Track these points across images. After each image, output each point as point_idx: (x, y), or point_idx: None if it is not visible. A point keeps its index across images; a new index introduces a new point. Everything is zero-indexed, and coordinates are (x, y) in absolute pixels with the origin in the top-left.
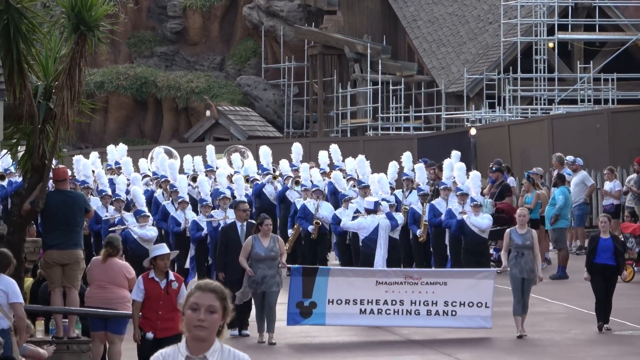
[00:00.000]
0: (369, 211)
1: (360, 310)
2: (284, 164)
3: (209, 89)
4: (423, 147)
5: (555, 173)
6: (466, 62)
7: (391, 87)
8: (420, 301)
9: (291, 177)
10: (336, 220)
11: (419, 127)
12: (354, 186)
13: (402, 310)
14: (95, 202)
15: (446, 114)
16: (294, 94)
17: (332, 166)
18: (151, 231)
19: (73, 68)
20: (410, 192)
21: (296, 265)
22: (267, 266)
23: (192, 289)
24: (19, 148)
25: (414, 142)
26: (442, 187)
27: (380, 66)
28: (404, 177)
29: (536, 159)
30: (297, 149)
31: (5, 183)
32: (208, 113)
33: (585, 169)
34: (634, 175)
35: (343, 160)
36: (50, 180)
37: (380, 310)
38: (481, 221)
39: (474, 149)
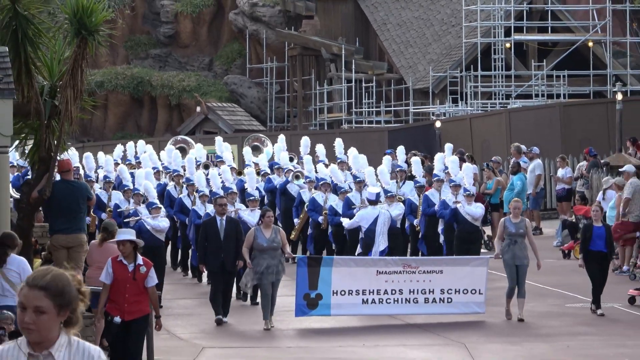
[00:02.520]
0: (370, 202)
1: (363, 300)
2: (284, 156)
3: (199, 87)
4: (393, 139)
5: (512, 161)
6: (431, 61)
7: (364, 85)
8: (418, 290)
9: (292, 170)
10: (332, 211)
11: (389, 121)
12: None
13: (402, 299)
14: (117, 196)
15: (413, 109)
16: (275, 91)
17: (335, 159)
18: (163, 222)
19: (76, 69)
20: (403, 183)
21: (301, 256)
22: (269, 256)
23: (22, 283)
24: (27, 142)
25: (384, 134)
26: (435, 179)
27: (353, 65)
28: (398, 169)
29: (495, 148)
30: (305, 142)
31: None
32: (198, 109)
33: (540, 157)
34: (583, 162)
35: (345, 153)
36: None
37: (381, 300)
38: (474, 210)
39: (439, 140)
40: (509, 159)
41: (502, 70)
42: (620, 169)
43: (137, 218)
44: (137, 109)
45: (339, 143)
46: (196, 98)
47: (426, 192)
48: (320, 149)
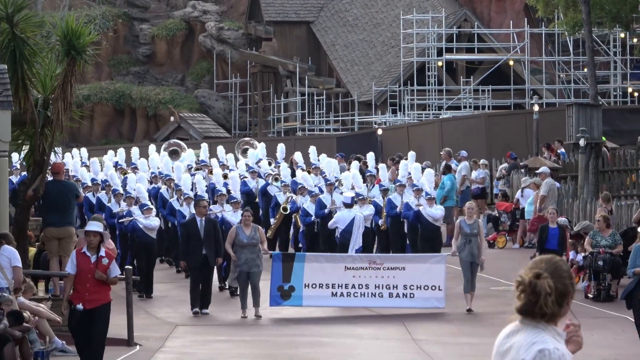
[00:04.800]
0: (346, 205)
1: (332, 293)
2: (264, 163)
3: (172, 100)
4: (340, 144)
5: (443, 163)
6: (374, 77)
7: (315, 98)
8: (383, 285)
9: (271, 174)
10: (304, 212)
11: (337, 129)
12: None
13: (368, 293)
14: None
15: (358, 118)
16: (239, 103)
17: (309, 164)
18: (154, 221)
19: (66, 84)
20: (373, 187)
21: (277, 252)
22: (249, 251)
23: None
24: (23, 147)
25: (333, 140)
26: (397, 184)
27: (306, 81)
28: (368, 174)
29: (429, 153)
30: (281, 148)
31: (14, 179)
32: (172, 118)
33: (467, 160)
34: (505, 164)
35: (318, 159)
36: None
37: (349, 293)
38: (435, 212)
39: (380, 145)
40: (440, 162)
41: (434, 85)
42: (536, 171)
43: (131, 218)
44: (119, 119)
45: (313, 150)
46: (170, 109)
47: (390, 196)
48: (298, 156)
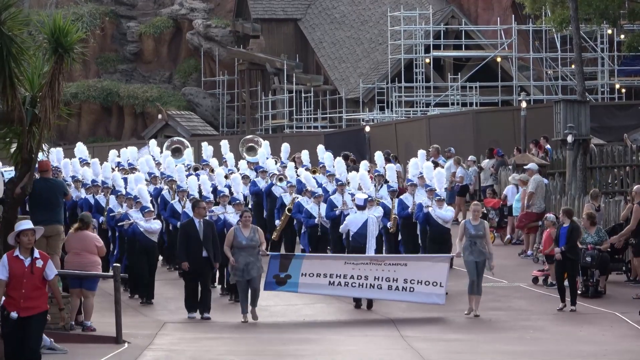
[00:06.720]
0: (359, 207)
1: (329, 282)
2: (270, 162)
3: (160, 98)
4: (328, 142)
5: (431, 160)
6: (361, 74)
7: (303, 95)
8: (382, 277)
9: (276, 174)
10: (307, 214)
11: (325, 126)
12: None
13: (366, 284)
14: (112, 201)
15: (346, 115)
16: (227, 100)
17: (317, 163)
18: (155, 224)
19: (53, 82)
20: (381, 187)
21: (275, 253)
22: (248, 254)
23: None
24: (11, 145)
25: (321, 137)
26: (408, 183)
27: (294, 78)
28: (376, 173)
29: (417, 150)
30: (285, 148)
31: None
32: (160, 116)
33: (455, 157)
34: (487, 160)
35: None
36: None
37: (347, 283)
38: (445, 213)
39: (368, 142)
40: (428, 159)
41: (422, 82)
42: (524, 167)
43: (131, 221)
44: (106, 117)
45: (321, 149)
46: (158, 107)
47: (400, 197)
48: (305, 155)
